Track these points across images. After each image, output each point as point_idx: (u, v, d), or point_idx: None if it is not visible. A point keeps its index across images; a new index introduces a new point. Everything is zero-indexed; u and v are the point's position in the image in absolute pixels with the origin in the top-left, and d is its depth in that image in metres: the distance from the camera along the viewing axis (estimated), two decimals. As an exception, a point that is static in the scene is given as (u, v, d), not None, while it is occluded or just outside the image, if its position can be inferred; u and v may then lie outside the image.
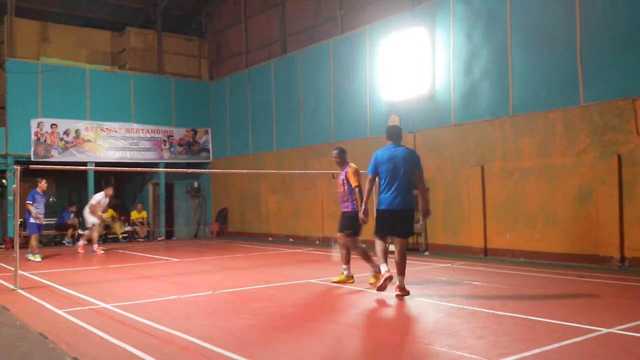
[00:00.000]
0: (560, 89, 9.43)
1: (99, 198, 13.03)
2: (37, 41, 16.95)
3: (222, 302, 6.33)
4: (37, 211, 11.50)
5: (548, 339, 4.38)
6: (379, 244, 6.43)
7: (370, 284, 7.09)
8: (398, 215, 6.22)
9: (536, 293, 6.51)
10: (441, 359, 3.95)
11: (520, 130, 9.98)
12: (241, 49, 17.75)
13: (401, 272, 6.21)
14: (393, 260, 6.29)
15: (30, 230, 11.62)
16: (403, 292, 6.21)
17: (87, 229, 13.34)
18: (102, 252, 12.76)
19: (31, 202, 11.55)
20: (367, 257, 7.14)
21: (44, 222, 12.32)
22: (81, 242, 13.12)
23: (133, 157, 16.95)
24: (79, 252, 12.78)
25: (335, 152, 7.73)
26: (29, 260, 11.27)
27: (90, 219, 12.97)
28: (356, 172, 7.45)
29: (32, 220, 11.50)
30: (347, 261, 7.41)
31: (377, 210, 6.40)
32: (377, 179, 6.34)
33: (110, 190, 13.12)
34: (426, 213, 6.62)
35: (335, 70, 13.99)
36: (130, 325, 5.16)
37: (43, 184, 11.82)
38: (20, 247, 8.37)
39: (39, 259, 11.31)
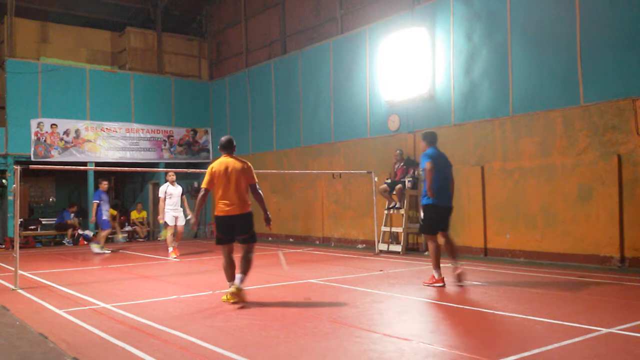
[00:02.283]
0: (560, 89, 9.43)
1: (165, 188, 11.89)
2: (37, 41, 16.95)
3: (222, 302, 6.32)
4: (105, 208, 12.70)
5: (548, 339, 4.38)
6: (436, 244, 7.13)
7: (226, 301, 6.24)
8: (449, 211, 7.26)
9: (536, 293, 6.51)
10: (441, 359, 3.95)
11: (520, 130, 9.98)
12: (241, 49, 17.75)
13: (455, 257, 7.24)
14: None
15: (103, 227, 12.98)
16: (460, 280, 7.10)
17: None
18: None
19: (98, 201, 12.85)
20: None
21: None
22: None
23: (133, 157, 16.95)
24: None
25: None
26: (98, 253, 12.61)
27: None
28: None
29: (104, 217, 12.84)
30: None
31: (435, 206, 7.06)
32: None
33: (172, 176, 12.01)
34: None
35: (335, 70, 13.99)
36: (130, 325, 5.16)
37: (104, 185, 13.04)
38: (20, 247, 8.37)
39: (108, 252, 12.81)
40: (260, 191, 6.38)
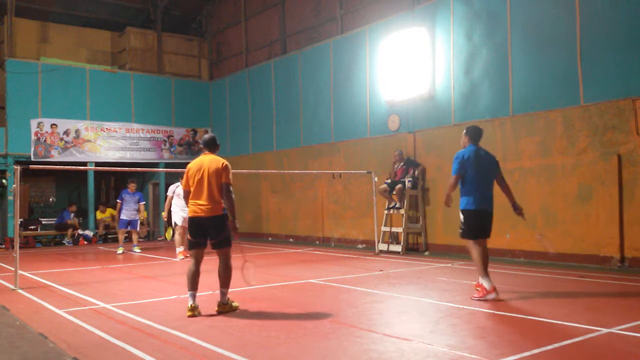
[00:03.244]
0: (560, 89, 9.43)
1: (174, 188, 11.81)
2: (37, 41, 16.94)
3: (222, 302, 6.32)
4: (126, 207, 12.87)
5: (548, 339, 4.38)
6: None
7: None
8: (487, 216, 6.41)
9: (536, 293, 6.51)
10: (441, 359, 3.95)
11: (520, 130, 9.98)
12: (241, 49, 17.75)
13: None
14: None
15: (132, 226, 13.16)
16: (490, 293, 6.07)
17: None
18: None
19: (119, 200, 13.06)
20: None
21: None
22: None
23: (133, 157, 16.95)
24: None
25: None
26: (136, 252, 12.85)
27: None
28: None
29: (122, 216, 12.96)
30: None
31: (474, 211, 6.28)
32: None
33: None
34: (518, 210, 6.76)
35: (335, 70, 13.99)
36: (130, 325, 5.16)
37: (132, 186, 13.14)
38: (20, 247, 8.37)
39: (139, 251, 13.03)
40: (232, 194, 5.75)
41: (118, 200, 13.05)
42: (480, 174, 6.27)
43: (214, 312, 5.69)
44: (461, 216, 6.36)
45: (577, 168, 9.12)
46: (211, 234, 5.71)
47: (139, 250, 12.97)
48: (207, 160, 5.75)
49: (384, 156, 12.41)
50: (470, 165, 6.24)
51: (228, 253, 5.82)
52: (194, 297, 5.61)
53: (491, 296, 6.00)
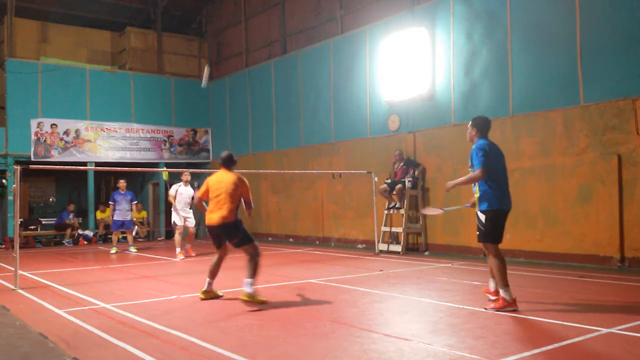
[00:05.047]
0: (560, 89, 9.43)
1: (176, 187, 11.92)
2: (37, 41, 16.95)
3: (222, 302, 6.33)
4: (119, 208, 12.76)
5: (548, 339, 4.38)
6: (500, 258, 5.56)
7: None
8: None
9: (536, 293, 6.51)
10: (441, 359, 3.95)
11: (520, 130, 9.98)
12: (241, 49, 17.75)
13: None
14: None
15: (113, 226, 13.12)
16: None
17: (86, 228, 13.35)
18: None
19: (112, 202, 13.02)
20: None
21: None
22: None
23: (133, 157, 16.95)
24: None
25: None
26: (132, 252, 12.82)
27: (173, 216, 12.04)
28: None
29: (115, 217, 12.86)
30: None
31: (500, 210, 5.57)
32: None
33: (187, 176, 11.97)
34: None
35: (335, 70, 13.99)
36: (130, 325, 5.16)
37: (122, 185, 13.06)
38: (20, 247, 8.37)
39: (135, 250, 12.99)
40: (252, 205, 6.70)
41: (110, 202, 13.06)
42: (501, 169, 5.61)
43: (214, 311, 5.68)
44: (482, 216, 5.59)
45: (577, 168, 9.12)
46: (227, 238, 6.44)
47: (135, 250, 12.98)
48: (226, 180, 6.41)
49: (384, 156, 12.41)
50: (493, 159, 5.52)
51: (250, 249, 6.24)
52: (209, 284, 6.53)
53: (511, 309, 5.42)
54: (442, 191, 11.22)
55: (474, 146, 5.66)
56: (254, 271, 6.11)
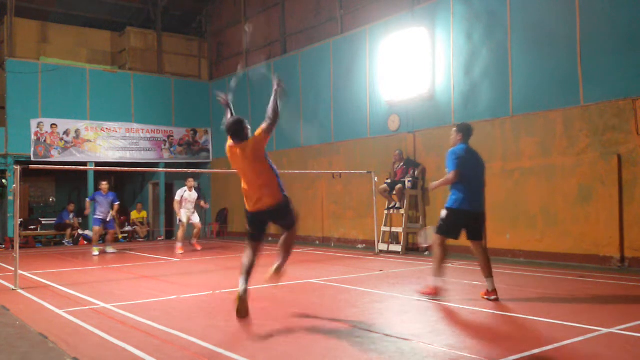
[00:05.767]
0: (560, 89, 9.43)
1: (182, 193, 12.71)
2: (37, 41, 16.95)
3: (222, 302, 6.33)
4: (100, 210, 12.68)
5: (548, 339, 4.38)
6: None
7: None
8: (478, 218, 6.22)
9: (536, 293, 6.51)
10: (441, 359, 3.95)
11: (520, 130, 9.98)
12: (241, 49, 17.75)
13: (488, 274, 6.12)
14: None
15: (94, 222, 12.96)
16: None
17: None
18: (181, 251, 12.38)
19: (88, 200, 13.20)
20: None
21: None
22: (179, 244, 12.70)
23: (133, 157, 16.95)
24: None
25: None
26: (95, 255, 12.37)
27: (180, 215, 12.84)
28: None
29: (95, 215, 12.80)
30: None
31: (460, 210, 6.07)
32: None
33: (191, 182, 12.78)
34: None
35: (335, 70, 13.99)
36: (130, 325, 5.16)
37: (105, 187, 12.91)
38: (20, 247, 8.37)
39: (113, 251, 12.86)
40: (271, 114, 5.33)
41: (88, 199, 13.02)
42: (474, 173, 6.09)
43: (214, 311, 5.68)
44: (444, 212, 6.17)
45: (577, 168, 9.12)
46: (280, 221, 5.34)
47: (113, 251, 12.85)
48: (240, 147, 5.19)
49: (384, 156, 12.41)
50: (465, 163, 6.03)
51: (295, 228, 5.50)
52: (246, 284, 4.95)
53: (438, 297, 6.09)
54: (442, 191, 11.21)
55: (449, 150, 6.16)
56: (289, 252, 5.39)
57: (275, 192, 5.18)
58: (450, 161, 6.06)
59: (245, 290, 4.89)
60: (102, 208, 12.66)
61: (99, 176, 17.51)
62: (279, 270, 5.31)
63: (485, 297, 6.08)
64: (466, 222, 6.11)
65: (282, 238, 5.42)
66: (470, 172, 6.03)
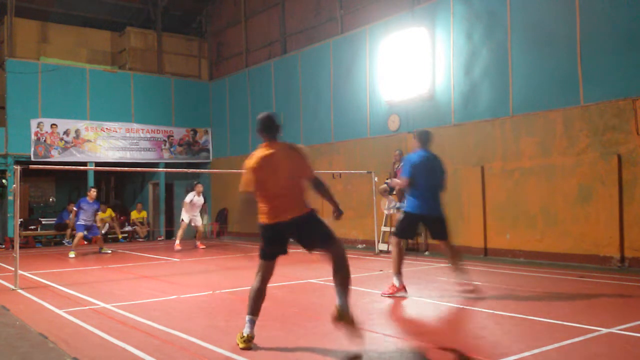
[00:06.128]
0: (560, 89, 9.43)
1: (191, 197, 13.37)
2: (37, 41, 16.94)
3: (222, 302, 6.33)
4: (84, 216, 12.63)
5: (548, 339, 4.38)
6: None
7: None
8: (434, 221, 6.52)
9: (536, 293, 6.51)
10: (441, 359, 3.95)
11: (520, 130, 9.98)
12: (241, 49, 17.75)
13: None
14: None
15: (78, 228, 12.79)
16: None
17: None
18: (180, 248, 13.14)
19: (75, 207, 13.08)
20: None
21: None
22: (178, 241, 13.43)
23: (133, 157, 16.95)
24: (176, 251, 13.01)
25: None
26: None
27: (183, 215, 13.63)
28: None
29: (79, 222, 12.70)
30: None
31: (412, 214, 6.43)
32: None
33: (200, 187, 13.55)
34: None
35: (335, 70, 13.99)
36: (130, 325, 5.16)
37: (92, 194, 12.87)
38: (20, 247, 8.37)
39: (72, 256, 12.17)
40: (322, 181, 4.78)
41: (75, 208, 12.95)
42: (429, 180, 6.35)
43: (214, 311, 5.68)
44: (401, 216, 6.65)
45: (577, 168, 9.12)
46: (306, 235, 4.72)
47: (109, 251, 12.86)
48: (277, 152, 4.57)
49: (384, 156, 12.41)
50: (419, 171, 6.32)
51: (340, 247, 4.82)
52: (252, 324, 4.41)
53: (400, 294, 6.35)
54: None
55: (405, 157, 6.54)
56: (348, 281, 4.48)
57: (303, 205, 4.58)
58: (404, 168, 6.46)
59: (252, 337, 4.32)
60: (86, 215, 12.58)
61: (99, 176, 17.55)
62: (346, 312, 4.20)
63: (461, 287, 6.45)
64: (425, 225, 6.55)
65: (333, 266, 4.61)
66: (424, 179, 6.31)
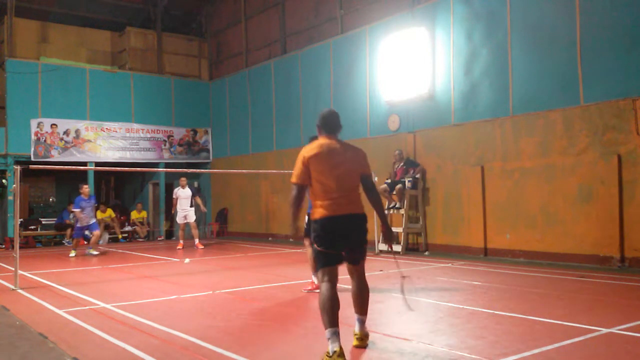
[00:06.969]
0: (560, 89, 9.43)
1: (176, 190, 13.71)
2: (37, 41, 16.95)
3: (222, 302, 6.33)
4: (84, 215, 12.51)
5: (548, 339, 4.38)
6: None
7: None
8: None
9: (536, 293, 6.51)
10: (441, 359, 3.95)
11: (520, 130, 9.98)
12: (241, 49, 17.75)
13: None
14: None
15: (76, 234, 12.79)
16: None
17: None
18: (202, 247, 13.49)
19: (78, 210, 12.57)
20: None
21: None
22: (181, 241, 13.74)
23: (133, 157, 16.95)
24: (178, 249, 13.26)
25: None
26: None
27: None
28: None
29: (77, 224, 12.70)
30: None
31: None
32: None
33: (184, 180, 13.73)
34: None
35: (335, 70, 13.99)
36: (130, 325, 5.16)
37: (86, 191, 12.75)
38: (20, 247, 8.37)
39: (96, 253, 12.41)
40: (375, 187, 4.50)
41: (75, 210, 12.55)
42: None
43: (214, 311, 5.67)
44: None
45: (577, 168, 9.12)
46: (358, 241, 4.40)
47: (95, 253, 12.29)
48: (339, 146, 4.35)
49: (384, 156, 12.40)
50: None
51: (364, 269, 4.55)
52: (337, 335, 3.91)
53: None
54: (442, 191, 11.23)
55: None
56: (367, 301, 4.43)
57: (361, 203, 4.31)
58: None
59: (342, 351, 3.80)
60: (86, 212, 12.42)
61: (99, 176, 17.54)
62: (365, 332, 4.36)
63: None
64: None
65: (354, 284, 4.48)
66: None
